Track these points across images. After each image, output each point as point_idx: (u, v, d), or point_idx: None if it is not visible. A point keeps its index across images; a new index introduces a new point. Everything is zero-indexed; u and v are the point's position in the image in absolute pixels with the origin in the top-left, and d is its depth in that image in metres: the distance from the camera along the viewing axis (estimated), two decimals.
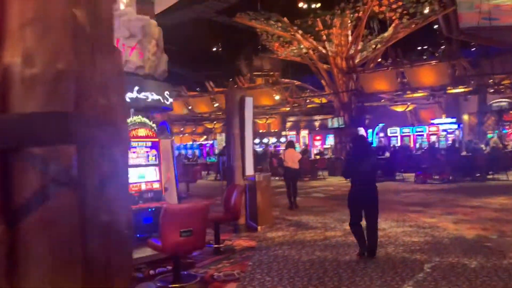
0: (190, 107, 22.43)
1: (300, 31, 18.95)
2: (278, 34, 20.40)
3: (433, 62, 15.62)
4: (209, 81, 20.55)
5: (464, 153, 15.49)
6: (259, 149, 24.10)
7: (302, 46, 20.77)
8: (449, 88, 16.66)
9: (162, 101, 5.53)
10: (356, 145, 6.33)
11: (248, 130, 7.65)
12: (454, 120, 25.55)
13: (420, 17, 18.62)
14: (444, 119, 26.03)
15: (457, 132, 23.26)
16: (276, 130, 37.45)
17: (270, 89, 19.43)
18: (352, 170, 5.95)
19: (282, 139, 29.93)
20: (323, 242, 6.73)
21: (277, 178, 18.73)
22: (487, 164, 14.93)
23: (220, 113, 22.11)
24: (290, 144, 11.59)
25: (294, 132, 31.81)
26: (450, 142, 17.03)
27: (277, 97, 19.82)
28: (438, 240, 6.47)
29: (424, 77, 15.96)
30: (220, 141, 38.07)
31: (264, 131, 37.73)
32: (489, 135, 23.60)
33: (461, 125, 25.69)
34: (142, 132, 5.19)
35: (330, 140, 26.13)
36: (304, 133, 31.37)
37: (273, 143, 29.54)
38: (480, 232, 6.86)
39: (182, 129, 41.14)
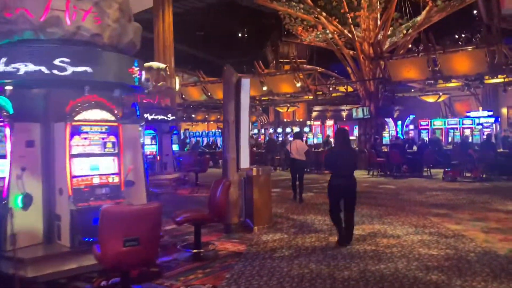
0: (209, 93, 21.54)
1: (324, 14, 17.67)
2: (301, 17, 19.16)
3: (469, 48, 14.07)
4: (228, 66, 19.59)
5: (500, 149, 13.98)
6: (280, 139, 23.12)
7: (327, 31, 19.49)
8: (486, 77, 15.08)
9: (126, 78, 4.63)
10: (337, 138, 6.58)
11: (245, 117, 6.69)
12: (491, 113, 23.74)
13: (457, 0, 17.02)
14: (481, 112, 24.22)
15: (494, 127, 21.51)
16: (301, 120, 36.38)
17: (291, 76, 18.30)
18: (333, 162, 6.18)
19: (306, 129, 28.88)
20: (323, 250, 5.74)
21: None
22: None
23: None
24: (297, 135, 11.05)
25: (319, 122, 30.69)
26: (485, 137, 15.48)
27: (298, 85, 18.66)
28: (462, 255, 5.36)
29: (458, 64, 14.44)
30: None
31: (289, 120, 36.72)
32: None
33: (498, 119, 23.88)
34: (96, 114, 4.32)
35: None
36: (329, 123, 30.17)
37: (300, 132, 28.49)
38: None
39: (206, 116, 40.68)
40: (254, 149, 20.04)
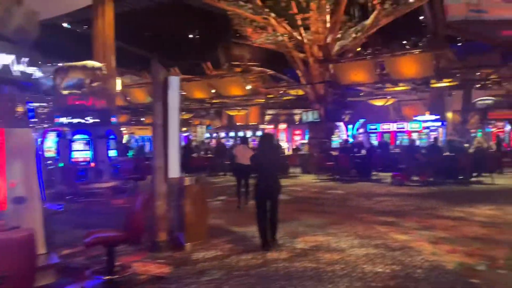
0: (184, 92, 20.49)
1: (273, 15, 17.23)
2: (250, 18, 18.64)
3: (416, 51, 14.09)
4: (175, 68, 18.77)
5: (446, 153, 14.04)
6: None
7: (277, 33, 19.07)
8: (433, 81, 15.18)
9: (8, 72, 3.79)
10: (262, 142, 6.77)
11: (173, 119, 5.94)
12: (437, 117, 24.31)
13: (404, 4, 17.10)
14: (427, 116, 24.76)
15: (440, 130, 21.97)
16: (254, 123, 35.92)
17: (240, 78, 17.71)
18: (258, 165, 6.30)
19: (259, 133, 28.44)
20: (258, 270, 5.10)
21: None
22: (470, 166, 13.52)
23: (187, 102, 20.33)
24: (243, 140, 10.99)
25: (272, 126, 30.33)
26: (432, 140, 15.58)
27: (248, 87, 18.13)
28: (408, 271, 4.89)
29: (405, 68, 14.43)
30: (200, 133, 36.49)
31: (242, 124, 36.16)
32: (475, 134, 22.47)
33: (445, 123, 24.49)
34: None
35: None
36: (282, 127, 29.89)
37: (245, 137, 27.94)
38: (464, 259, 5.32)
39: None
40: (203, 154, 19.28)
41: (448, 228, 7.09)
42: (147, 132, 39.12)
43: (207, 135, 29.61)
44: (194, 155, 19.52)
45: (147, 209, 4.84)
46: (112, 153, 12.82)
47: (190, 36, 35.13)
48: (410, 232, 6.86)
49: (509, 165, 18.50)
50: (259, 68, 20.70)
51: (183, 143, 21.81)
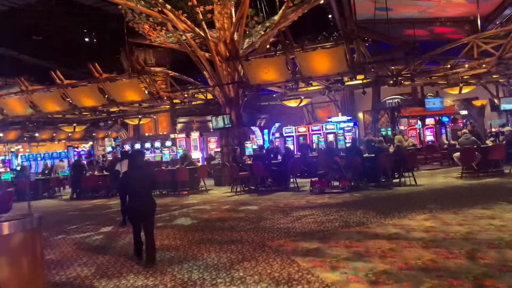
0: (35, 106, 17.26)
1: (169, 7, 15.08)
2: (145, 12, 16.33)
3: (328, 45, 12.85)
4: (56, 70, 15.83)
5: (366, 154, 12.93)
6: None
7: (181, 33, 16.96)
8: (346, 78, 14.07)
9: None
10: (130, 159, 6.74)
11: None
12: (349, 118, 23.87)
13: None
14: (340, 117, 24.27)
15: (354, 130, 21.39)
16: (164, 133, 33.30)
17: (135, 81, 15.28)
18: (127, 185, 6.17)
19: (168, 143, 25.99)
20: None
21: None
22: (392, 166, 12.53)
23: (77, 112, 17.38)
24: (126, 155, 9.79)
25: (183, 135, 28.12)
26: (348, 141, 14.51)
27: (146, 91, 15.75)
28: None
29: (318, 64, 13.15)
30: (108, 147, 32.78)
31: (151, 134, 33.29)
32: (385, 133, 22.25)
33: (357, 123, 24.18)
34: None
35: None
36: (195, 135, 27.81)
37: (156, 148, 25.38)
38: None
39: (54, 134, 34.93)
40: (97, 173, 16.48)
41: (386, 253, 5.51)
42: (47, 149, 34.72)
43: (109, 148, 26.44)
44: (88, 173, 16.67)
45: None
46: None
47: (86, 39, 31.50)
48: (341, 265, 5.16)
49: (422, 162, 18.32)
50: (159, 69, 18.36)
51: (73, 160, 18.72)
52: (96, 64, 15.39)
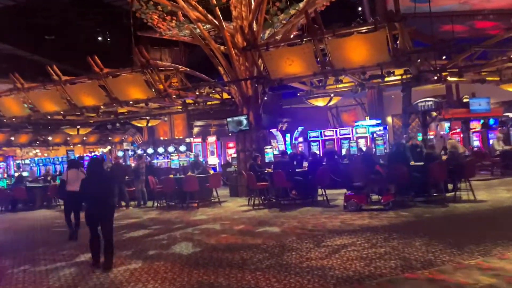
0: (32, 106, 15.47)
1: None
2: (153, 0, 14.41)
3: (365, 28, 10.55)
4: (53, 65, 14.04)
5: (412, 162, 10.56)
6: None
7: (194, 26, 14.96)
8: (386, 72, 11.68)
9: None
10: (87, 167, 6.81)
11: None
12: (379, 121, 21.46)
13: None
14: (368, 121, 21.83)
15: (385, 135, 19.00)
16: (180, 137, 31.49)
17: (140, 77, 13.32)
18: (85, 191, 6.35)
19: (182, 148, 23.98)
20: None
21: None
22: (445, 177, 10.14)
23: (78, 113, 15.58)
24: (73, 164, 9.05)
25: (200, 139, 26.20)
26: (384, 146, 12.17)
27: (153, 89, 13.77)
28: None
29: (353, 52, 10.85)
30: (109, 154, 31.10)
31: (166, 138, 31.50)
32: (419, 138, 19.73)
33: (386, 128, 21.82)
34: None
35: None
36: (211, 139, 25.85)
37: (169, 154, 23.32)
38: None
39: (68, 138, 33.55)
40: None
41: None
42: (58, 153, 33.28)
43: (121, 153, 24.58)
44: None
45: None
46: None
47: (100, 38, 29.99)
48: None
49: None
50: (167, 64, 16.38)
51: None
52: (96, 57, 13.48)
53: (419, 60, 11.54)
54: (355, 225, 8.06)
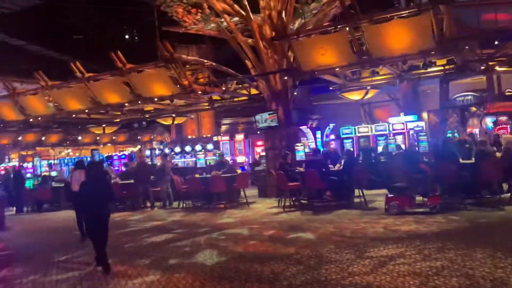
0: (56, 104, 15.19)
1: None
2: None
3: (406, 12, 9.52)
4: (75, 62, 13.66)
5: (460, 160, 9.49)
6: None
7: (221, 19, 14.28)
8: (430, 59, 10.61)
9: None
10: (88, 171, 6.98)
11: None
12: (415, 117, 20.21)
13: None
14: (403, 117, 20.57)
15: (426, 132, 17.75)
16: (208, 135, 30.99)
17: (164, 72, 12.74)
18: (85, 194, 6.28)
19: (210, 146, 23.33)
20: None
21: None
22: (500, 177, 9.03)
23: (103, 111, 15.17)
24: (79, 165, 8.87)
25: (227, 137, 25.54)
26: (438, 142, 11.10)
27: (178, 85, 13.14)
28: None
29: (393, 39, 9.85)
30: (138, 153, 30.83)
31: (194, 136, 31.04)
32: (455, 134, 18.37)
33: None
34: None
35: None
36: (239, 137, 25.16)
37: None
38: None
39: (98, 138, 33.64)
40: (118, 180, 14.08)
41: None
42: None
43: (148, 152, 24.22)
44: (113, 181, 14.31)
45: None
46: None
47: (126, 37, 29.79)
48: None
49: None
50: (192, 58, 15.75)
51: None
52: (119, 52, 12.98)
53: (466, 47, 10.38)
54: (400, 231, 7.11)
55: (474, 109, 20.57)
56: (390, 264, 5.26)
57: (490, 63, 13.67)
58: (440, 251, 5.66)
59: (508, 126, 17.47)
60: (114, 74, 13.54)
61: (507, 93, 19.49)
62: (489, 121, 19.58)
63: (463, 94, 21.99)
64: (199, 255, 6.62)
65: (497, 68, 13.78)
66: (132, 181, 13.64)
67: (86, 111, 15.44)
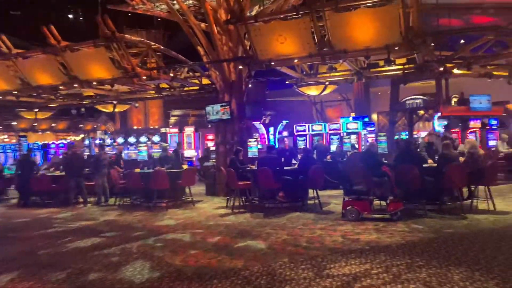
0: (23, 77, 12.99)
1: None
2: None
3: (371, 2, 8.80)
4: (1, 35, 11.78)
5: (430, 161, 8.96)
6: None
7: (174, 2, 13.00)
8: (393, 55, 10.01)
9: None
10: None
11: None
12: (366, 119, 19.98)
13: None
14: (353, 119, 20.27)
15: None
16: (156, 127, 29.46)
17: (103, 51, 11.30)
18: None
19: (156, 138, 21.86)
20: None
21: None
22: (463, 182, 8.55)
23: (34, 94, 13.28)
24: None
25: (176, 130, 24.16)
26: (400, 143, 10.53)
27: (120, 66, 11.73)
28: None
29: (357, 30, 9.12)
30: (78, 142, 28.63)
31: (140, 127, 29.33)
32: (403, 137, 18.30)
33: (374, 124, 20.37)
34: None
35: None
36: (189, 130, 23.90)
37: (125, 144, 20.77)
38: None
39: (35, 124, 30.91)
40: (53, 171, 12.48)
41: None
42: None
43: (87, 142, 22.33)
44: (40, 173, 12.70)
45: None
46: None
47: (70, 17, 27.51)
48: None
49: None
50: (137, 39, 14.30)
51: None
52: (53, 27, 11.37)
53: (432, 44, 9.85)
54: (361, 241, 6.33)
55: (422, 112, 20.65)
56: (356, 286, 4.40)
57: (448, 65, 13.37)
58: (410, 270, 4.88)
59: (460, 131, 17.53)
60: (46, 51, 11.89)
61: (453, 97, 19.64)
62: (437, 125, 19.58)
63: (412, 97, 22.06)
64: (128, 268, 5.47)
65: (455, 70, 13.52)
66: (63, 173, 12.10)
67: (14, 92, 13.58)
